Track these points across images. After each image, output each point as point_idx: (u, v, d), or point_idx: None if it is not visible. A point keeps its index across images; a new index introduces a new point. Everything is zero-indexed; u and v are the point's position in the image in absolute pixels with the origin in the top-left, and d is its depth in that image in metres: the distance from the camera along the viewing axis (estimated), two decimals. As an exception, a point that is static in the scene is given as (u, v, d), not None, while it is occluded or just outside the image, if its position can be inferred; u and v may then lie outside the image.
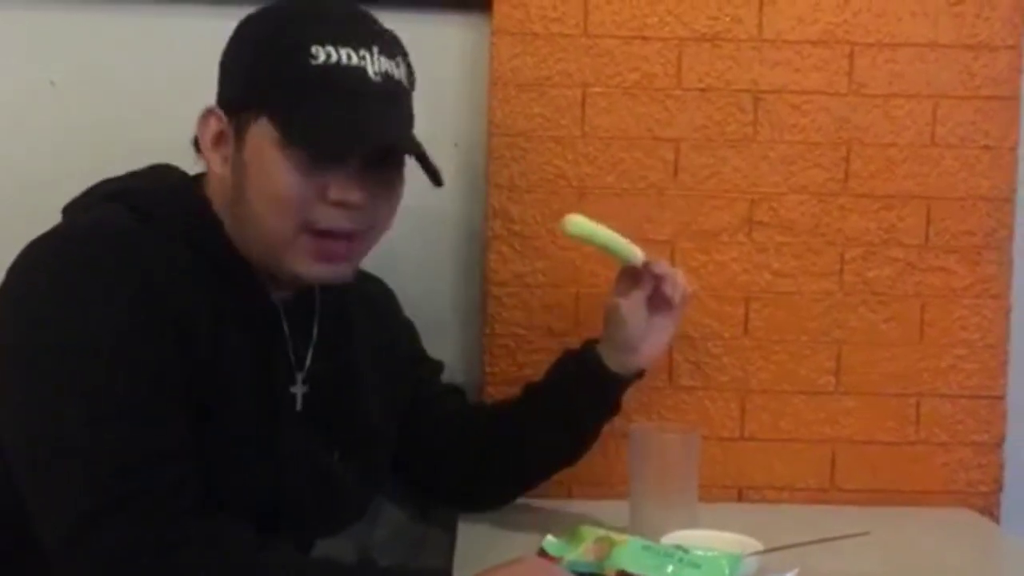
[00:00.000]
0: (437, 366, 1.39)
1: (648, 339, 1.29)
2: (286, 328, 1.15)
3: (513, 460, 1.34)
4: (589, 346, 1.32)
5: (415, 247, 1.46)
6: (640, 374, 1.33)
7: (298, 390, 1.16)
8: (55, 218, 1.14)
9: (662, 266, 1.29)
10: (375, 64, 1.07)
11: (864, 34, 1.48)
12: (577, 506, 1.43)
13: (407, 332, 1.36)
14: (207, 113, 1.11)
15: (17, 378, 1.02)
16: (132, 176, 1.16)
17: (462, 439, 1.34)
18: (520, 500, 1.40)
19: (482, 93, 1.48)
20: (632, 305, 1.28)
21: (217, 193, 1.13)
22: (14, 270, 1.07)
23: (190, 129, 1.14)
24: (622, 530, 1.18)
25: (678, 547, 1.08)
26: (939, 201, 1.49)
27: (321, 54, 1.05)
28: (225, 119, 1.09)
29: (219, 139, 1.10)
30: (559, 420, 1.31)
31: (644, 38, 1.46)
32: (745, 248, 1.48)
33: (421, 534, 1.45)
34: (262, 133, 1.07)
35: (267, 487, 1.10)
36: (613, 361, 1.29)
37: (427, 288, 1.51)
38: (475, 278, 1.53)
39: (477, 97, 1.49)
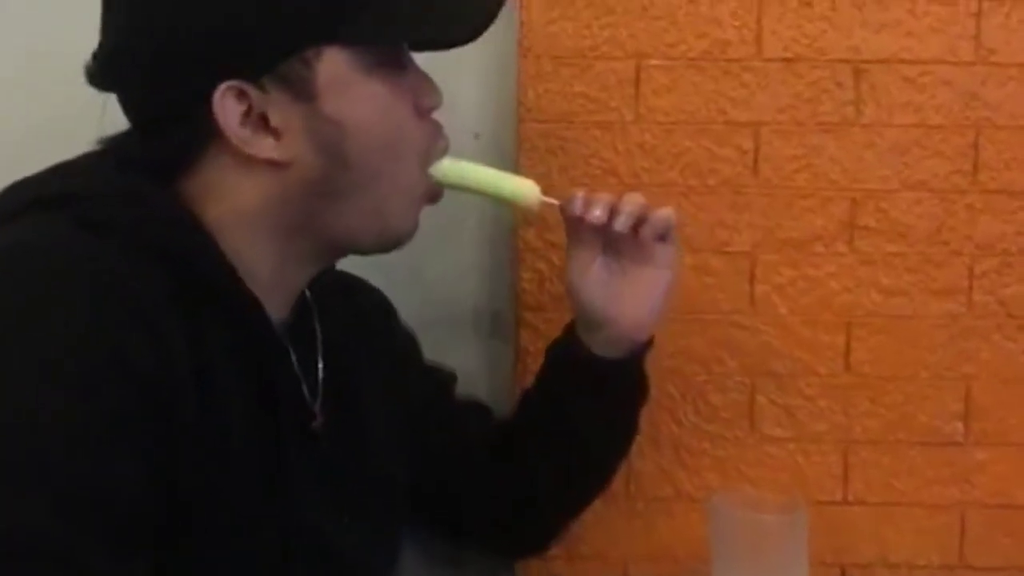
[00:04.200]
0: (448, 377, 1.18)
1: (621, 301, 1.05)
2: (294, 358, 0.93)
3: (532, 485, 1.13)
4: (570, 333, 1.09)
5: (428, 258, 1.25)
6: (644, 346, 1.08)
7: (318, 424, 0.94)
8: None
9: (574, 195, 1.02)
10: None
11: (995, -14, 1.22)
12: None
13: (409, 345, 1.15)
14: (222, 93, 0.83)
15: None
16: (64, 172, 0.88)
17: (485, 465, 1.14)
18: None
19: (509, 68, 1.24)
20: (579, 265, 1.05)
21: (240, 192, 0.87)
22: None
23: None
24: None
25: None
26: (1094, 198, 1.24)
27: None
28: (253, 88, 0.84)
29: (247, 117, 0.85)
30: (562, 435, 1.10)
31: (714, -5, 1.22)
32: (846, 260, 1.24)
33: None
34: (338, 69, 0.86)
35: (268, 569, 0.87)
36: (597, 344, 1.07)
37: (443, 306, 1.30)
38: (501, 293, 1.29)
39: (503, 74, 1.25)
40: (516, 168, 1.23)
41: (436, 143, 0.95)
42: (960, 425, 1.25)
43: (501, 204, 1.04)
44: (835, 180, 1.23)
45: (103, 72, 0.88)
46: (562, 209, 1.03)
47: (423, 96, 0.93)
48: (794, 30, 1.22)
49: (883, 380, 1.25)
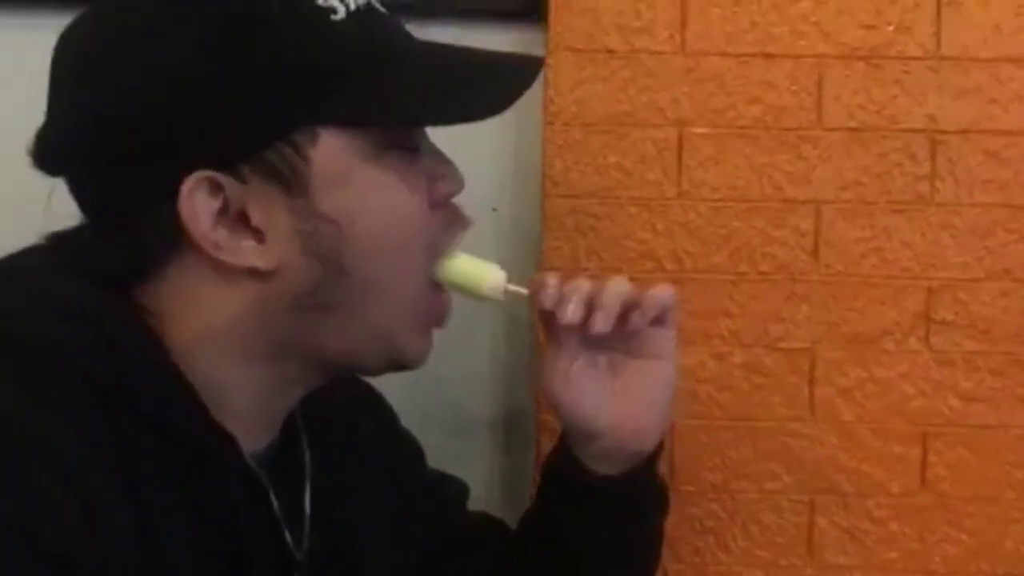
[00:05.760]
0: (458, 491, 1.06)
1: (613, 406, 0.89)
2: (274, 500, 0.79)
3: None
4: (563, 442, 0.95)
5: (433, 353, 1.15)
6: (652, 457, 0.92)
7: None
8: None
9: (544, 282, 0.86)
10: None
11: (1091, 47, 1.13)
12: None
13: (411, 454, 1.02)
14: (192, 187, 0.70)
15: None
16: None
17: None
18: None
19: (533, 135, 1.16)
20: (555, 367, 0.89)
21: (213, 306, 0.74)
22: None
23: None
24: None
25: None
26: None
27: (334, 2, 0.75)
28: (230, 179, 0.72)
29: (223, 215, 0.72)
30: (566, 563, 0.96)
31: (769, 56, 1.13)
32: (921, 360, 1.15)
33: None
34: (335, 155, 0.74)
35: None
36: (592, 458, 0.92)
37: (452, 408, 1.21)
38: (518, 394, 1.19)
39: (525, 141, 1.17)
40: (540, 250, 1.13)
41: (449, 236, 0.80)
42: (1055, 555, 1.14)
43: (470, 296, 0.88)
44: (908, 267, 1.14)
45: (49, 154, 0.75)
46: (532, 301, 0.88)
47: (439, 183, 0.79)
48: (860, 95, 1.13)
49: (964, 500, 1.15)
